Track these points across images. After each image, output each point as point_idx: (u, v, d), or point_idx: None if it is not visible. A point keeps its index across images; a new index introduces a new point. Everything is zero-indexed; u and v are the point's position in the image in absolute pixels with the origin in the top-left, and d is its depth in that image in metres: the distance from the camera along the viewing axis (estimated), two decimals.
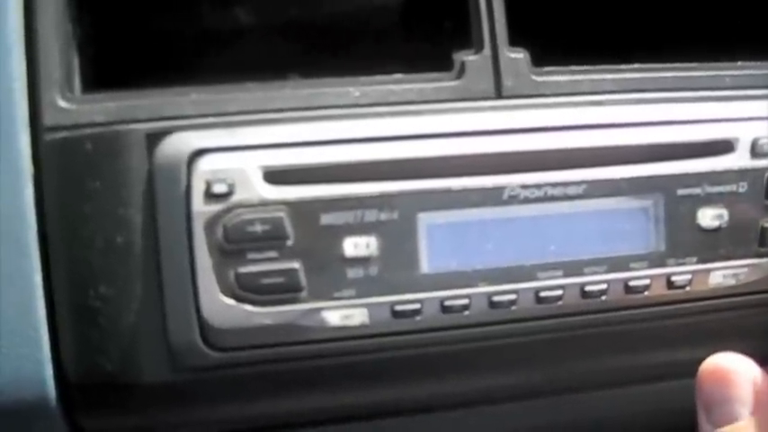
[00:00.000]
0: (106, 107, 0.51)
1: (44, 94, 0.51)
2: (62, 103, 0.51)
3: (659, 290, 0.53)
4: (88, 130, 0.50)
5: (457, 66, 0.54)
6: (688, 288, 0.54)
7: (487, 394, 0.58)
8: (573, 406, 0.61)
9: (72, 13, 0.53)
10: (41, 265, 0.51)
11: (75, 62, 0.54)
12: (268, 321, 0.49)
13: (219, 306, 0.48)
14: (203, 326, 0.49)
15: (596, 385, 0.59)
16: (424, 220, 0.50)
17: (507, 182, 0.51)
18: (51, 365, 0.52)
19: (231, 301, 0.48)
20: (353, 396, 0.55)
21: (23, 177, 0.51)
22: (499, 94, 0.54)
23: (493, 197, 0.50)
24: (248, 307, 0.49)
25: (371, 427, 0.58)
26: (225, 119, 0.51)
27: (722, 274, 0.54)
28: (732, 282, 0.55)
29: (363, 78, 0.53)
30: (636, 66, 0.56)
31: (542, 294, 0.51)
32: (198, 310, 0.48)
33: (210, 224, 0.48)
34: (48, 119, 0.51)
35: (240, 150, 0.49)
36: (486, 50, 0.54)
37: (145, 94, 0.52)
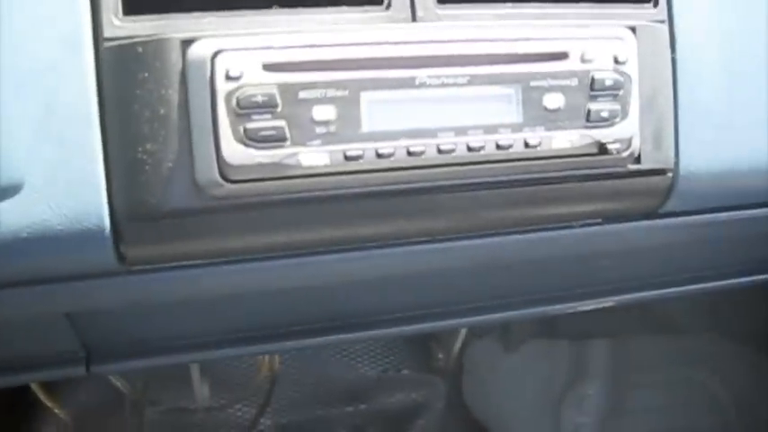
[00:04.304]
0: (146, 25, 0.75)
1: (104, 15, 0.75)
2: (116, 22, 0.75)
3: (519, 147, 0.79)
4: (136, 40, 0.75)
5: (386, 2, 0.80)
6: (539, 148, 0.80)
7: (420, 231, 0.84)
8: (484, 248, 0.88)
9: None
10: (101, 134, 0.75)
11: None
12: (265, 161, 0.74)
13: (234, 150, 0.73)
14: (222, 165, 0.73)
15: (499, 228, 0.86)
16: (365, 96, 0.75)
17: (418, 74, 0.76)
18: (107, 206, 0.74)
19: (241, 147, 0.73)
20: (327, 230, 0.80)
21: (89, 73, 0.73)
22: (414, 20, 0.80)
23: (409, 83, 0.76)
24: (252, 151, 0.73)
25: (343, 258, 0.83)
26: (229, 31, 0.76)
27: (562, 140, 0.82)
28: (568, 145, 0.81)
29: (319, 9, 0.78)
30: (509, 4, 0.82)
31: (442, 147, 0.77)
32: (218, 153, 0.73)
33: (228, 96, 0.72)
34: (107, 32, 0.74)
35: (246, 50, 0.74)
36: None
37: (173, 16, 0.76)
